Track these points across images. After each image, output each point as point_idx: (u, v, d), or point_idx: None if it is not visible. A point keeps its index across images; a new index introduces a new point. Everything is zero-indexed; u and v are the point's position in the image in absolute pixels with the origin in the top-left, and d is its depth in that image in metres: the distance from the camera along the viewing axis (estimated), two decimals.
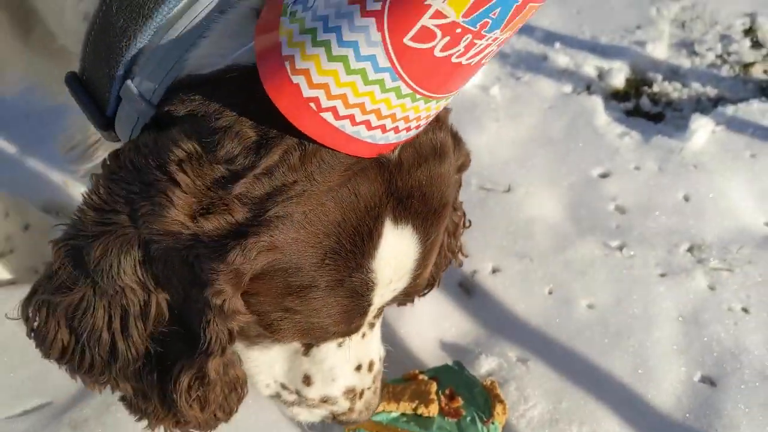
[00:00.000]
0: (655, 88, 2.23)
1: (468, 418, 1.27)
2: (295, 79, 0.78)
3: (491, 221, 1.75)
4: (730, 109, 2.11)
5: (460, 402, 1.29)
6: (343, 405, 1.13)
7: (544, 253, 1.70)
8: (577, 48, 2.31)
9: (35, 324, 0.98)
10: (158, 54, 0.92)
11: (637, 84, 2.24)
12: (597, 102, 2.12)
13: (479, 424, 1.26)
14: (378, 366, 1.15)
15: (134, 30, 0.93)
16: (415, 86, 0.79)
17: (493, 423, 1.28)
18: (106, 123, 1.01)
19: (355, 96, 0.78)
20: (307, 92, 0.78)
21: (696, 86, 2.24)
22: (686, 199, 1.85)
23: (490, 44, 0.77)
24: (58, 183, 1.75)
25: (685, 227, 1.78)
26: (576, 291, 1.62)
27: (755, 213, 1.83)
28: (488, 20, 0.73)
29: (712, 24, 2.49)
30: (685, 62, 2.33)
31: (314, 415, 1.15)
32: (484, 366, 1.47)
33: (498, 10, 0.72)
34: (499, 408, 1.31)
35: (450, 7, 0.71)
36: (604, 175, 1.90)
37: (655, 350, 1.52)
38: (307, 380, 1.10)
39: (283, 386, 1.12)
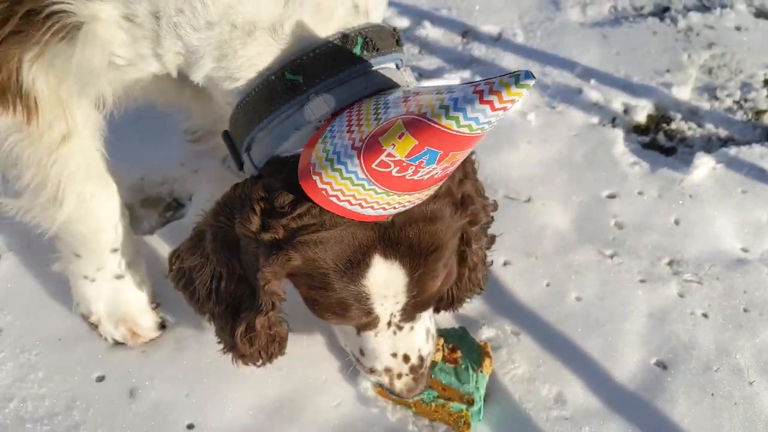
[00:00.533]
0: (673, 126, 2.60)
1: (463, 366, 1.72)
2: (314, 177, 1.27)
3: (510, 224, 2.17)
4: (733, 150, 2.47)
5: (459, 354, 1.73)
6: (384, 379, 1.60)
7: (548, 254, 2.12)
8: (609, 85, 2.70)
9: (174, 268, 1.58)
10: (265, 141, 1.42)
11: (658, 121, 2.61)
12: (618, 134, 2.51)
13: (471, 371, 1.71)
14: (415, 361, 1.58)
15: (252, 129, 1.43)
16: (385, 189, 1.25)
17: (481, 372, 1.72)
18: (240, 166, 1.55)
19: (348, 190, 1.26)
20: (320, 185, 1.27)
21: (709, 126, 2.60)
22: (677, 222, 2.24)
23: (432, 170, 1.21)
24: (177, 162, 2.27)
25: (671, 245, 2.17)
26: (569, 287, 2.04)
27: (734, 240, 2.20)
28: (422, 160, 1.17)
29: (736, 72, 2.82)
30: (704, 105, 2.68)
31: (371, 379, 1.67)
32: (485, 334, 1.91)
33: (426, 156, 1.17)
34: (487, 361, 1.75)
35: (396, 153, 1.17)
36: (611, 196, 2.30)
37: (623, 338, 1.93)
38: (360, 351, 1.60)
39: (353, 354, 1.63)
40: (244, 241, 1.43)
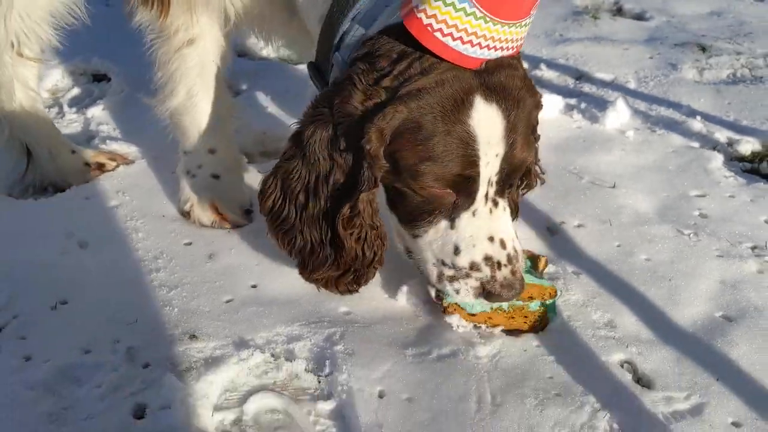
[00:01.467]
0: None
1: (530, 265, 1.78)
2: (419, 14, 1.44)
3: (588, 201, 2.24)
4: None
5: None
6: (486, 271, 1.58)
7: (624, 224, 2.14)
8: (716, 123, 2.75)
9: (261, 197, 1.64)
10: (351, 33, 1.60)
11: (762, 156, 2.61)
12: (718, 157, 2.53)
13: (532, 273, 1.77)
14: (511, 248, 1.59)
15: (340, 22, 1.62)
16: (487, 14, 1.41)
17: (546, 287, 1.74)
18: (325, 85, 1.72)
19: (451, 19, 1.42)
20: (426, 20, 1.43)
21: None
22: (767, 221, 2.19)
23: None
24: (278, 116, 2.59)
25: (756, 235, 2.11)
26: (640, 249, 2.04)
27: None
28: None
29: None
30: None
31: (469, 289, 1.61)
32: (547, 269, 1.94)
33: None
34: (542, 261, 1.83)
35: None
36: (699, 196, 2.31)
37: (689, 292, 1.89)
38: (456, 250, 1.59)
39: (443, 262, 1.61)
40: (345, 123, 1.50)
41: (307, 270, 1.66)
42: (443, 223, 1.60)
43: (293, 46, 2.33)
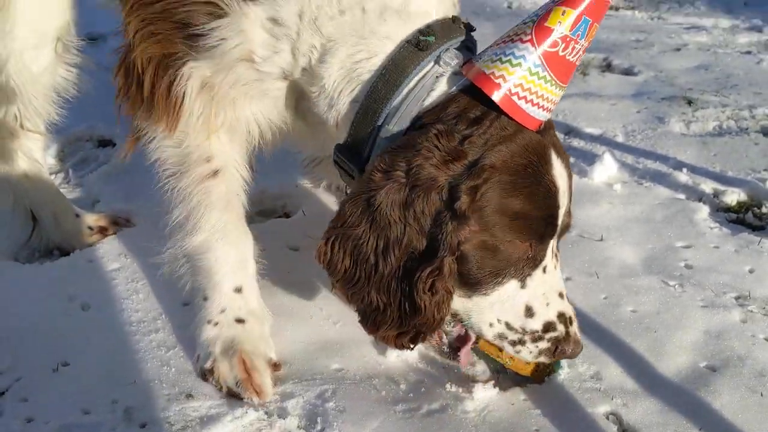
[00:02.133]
0: (764, 210, 2.64)
1: None
2: (497, 80, 1.51)
3: (577, 252, 2.30)
4: None
5: None
6: (561, 329, 1.60)
7: (611, 276, 2.20)
8: (702, 174, 2.82)
9: (327, 258, 1.59)
10: (410, 100, 1.59)
11: (748, 206, 2.67)
12: (704, 208, 2.59)
13: None
14: (569, 306, 1.64)
15: (388, 99, 1.59)
16: (552, 77, 1.52)
17: None
18: (362, 167, 1.65)
19: (526, 83, 1.51)
20: (504, 85, 1.51)
21: None
22: (751, 271, 2.24)
23: (580, 48, 1.52)
24: (293, 182, 2.66)
25: (740, 285, 2.17)
26: (627, 301, 2.09)
27: None
28: (579, 32, 1.50)
29: None
30: None
31: (536, 350, 1.60)
32: None
33: (581, 28, 1.49)
34: None
35: (563, 29, 1.49)
36: (685, 247, 2.36)
37: (674, 342, 1.93)
38: (528, 311, 1.59)
39: (508, 325, 1.60)
40: (425, 186, 1.49)
41: (369, 325, 1.63)
42: (512, 284, 1.59)
43: (304, 146, 2.25)
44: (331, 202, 2.54)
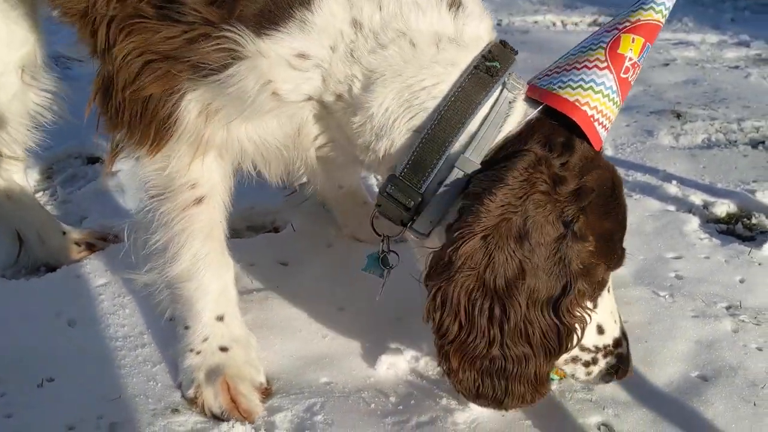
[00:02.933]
0: (754, 221, 2.64)
1: None
2: (583, 107, 1.53)
3: None
4: None
5: None
6: (624, 345, 1.66)
7: None
8: (691, 186, 2.83)
9: (437, 316, 1.48)
10: (482, 133, 1.53)
11: (738, 217, 2.67)
12: (693, 219, 2.59)
13: None
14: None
15: (464, 123, 1.52)
16: (619, 97, 1.57)
17: None
18: (417, 205, 1.57)
19: (606, 109, 1.54)
20: (589, 112, 1.53)
21: None
22: (741, 281, 2.24)
23: (638, 70, 1.57)
24: (282, 197, 2.64)
25: (731, 295, 2.16)
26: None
27: None
28: (643, 57, 1.55)
29: None
30: None
31: (605, 367, 1.65)
32: None
33: (646, 51, 1.55)
34: None
35: (633, 55, 1.54)
36: (676, 258, 2.36)
37: (665, 353, 1.92)
38: (600, 329, 1.64)
39: (582, 347, 1.61)
40: (532, 219, 1.45)
41: (510, 392, 1.53)
42: (589, 305, 1.59)
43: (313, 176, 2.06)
44: (320, 218, 2.53)
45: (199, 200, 1.73)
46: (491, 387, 1.52)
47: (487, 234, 1.44)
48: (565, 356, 1.60)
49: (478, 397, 1.55)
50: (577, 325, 1.52)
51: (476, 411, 1.71)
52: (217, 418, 1.69)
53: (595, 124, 1.54)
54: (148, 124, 1.63)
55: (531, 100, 1.58)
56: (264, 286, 2.18)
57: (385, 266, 1.76)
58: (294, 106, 1.63)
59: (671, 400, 1.77)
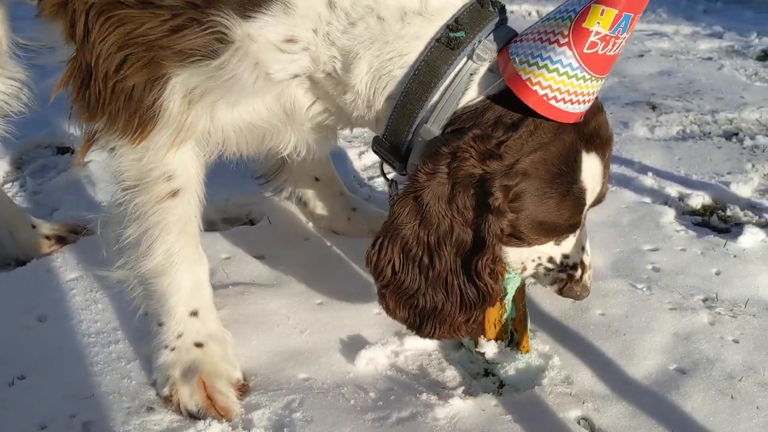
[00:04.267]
0: (729, 213, 2.66)
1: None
2: (533, 87, 1.51)
3: None
4: None
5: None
6: (581, 274, 1.76)
7: None
8: (667, 178, 2.84)
9: (374, 259, 1.61)
10: (446, 101, 1.59)
11: (713, 209, 2.69)
12: (669, 211, 2.60)
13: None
14: (588, 257, 1.79)
15: (427, 96, 1.59)
16: (591, 73, 1.52)
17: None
18: (401, 159, 1.69)
19: (564, 86, 1.51)
20: (541, 92, 1.52)
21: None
22: (717, 273, 2.25)
23: (621, 41, 1.51)
24: (258, 189, 2.60)
25: (707, 288, 2.17)
26: (595, 305, 2.08)
27: None
28: (620, 29, 1.48)
29: None
30: (766, 202, 2.74)
31: (556, 276, 1.76)
32: None
33: (622, 24, 1.47)
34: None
35: (602, 29, 1.47)
36: (652, 250, 2.37)
37: (643, 345, 1.93)
38: (564, 256, 1.75)
39: (550, 259, 1.74)
40: (460, 184, 1.55)
41: (427, 328, 1.65)
42: (549, 246, 1.74)
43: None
44: (296, 211, 2.50)
45: (174, 193, 1.71)
46: (418, 323, 1.66)
47: (418, 195, 1.57)
48: (529, 263, 1.75)
49: (411, 329, 1.69)
50: (490, 285, 1.61)
51: (456, 406, 1.71)
52: (193, 417, 1.66)
53: (552, 102, 1.52)
54: (133, 113, 1.60)
55: (496, 74, 1.59)
56: (240, 280, 2.14)
57: None
58: (281, 85, 1.63)
59: (650, 393, 1.78)
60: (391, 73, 1.61)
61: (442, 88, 1.59)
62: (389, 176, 1.92)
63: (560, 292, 1.78)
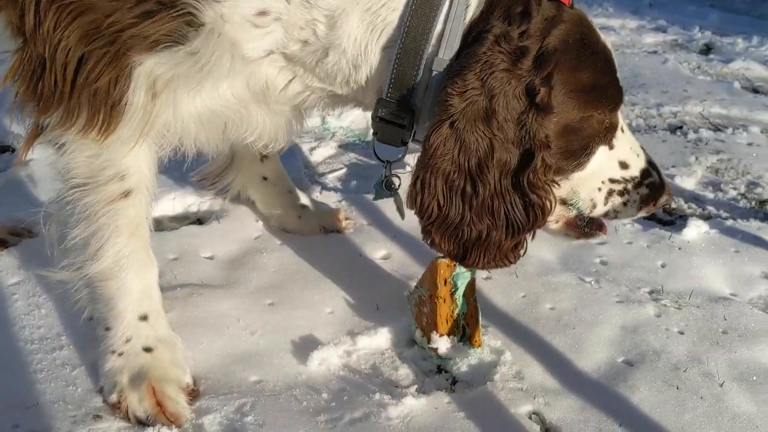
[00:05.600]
0: (673, 205, 2.72)
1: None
2: None
3: None
4: (729, 222, 2.56)
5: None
6: (655, 174, 1.74)
7: (529, 274, 2.21)
8: None
9: (419, 199, 1.58)
10: (449, 30, 1.55)
11: None
12: None
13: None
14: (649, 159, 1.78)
15: (431, 28, 1.54)
16: None
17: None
18: (413, 113, 1.61)
19: None
20: None
21: (711, 209, 2.71)
22: (663, 266, 2.30)
23: None
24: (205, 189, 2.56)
25: (653, 280, 2.22)
26: (545, 299, 2.11)
27: (722, 284, 2.23)
28: None
29: (744, 173, 2.97)
30: (709, 194, 2.82)
31: (638, 199, 1.74)
32: None
33: None
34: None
35: None
36: (600, 243, 2.40)
37: (592, 339, 1.96)
38: (623, 165, 1.72)
39: (612, 180, 1.72)
40: (502, 91, 1.50)
41: (475, 258, 1.64)
42: (603, 149, 1.68)
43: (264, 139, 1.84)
44: (246, 209, 2.47)
45: (126, 193, 1.65)
46: (462, 254, 1.64)
47: (454, 120, 1.51)
48: (603, 191, 1.72)
49: (455, 260, 1.69)
50: (543, 198, 1.58)
51: (409, 405, 1.71)
52: (142, 423, 1.62)
53: None
54: (97, 109, 1.53)
55: None
56: (189, 281, 2.10)
57: (390, 190, 1.82)
58: (254, 65, 1.58)
59: (599, 386, 1.80)
60: (385, 20, 1.55)
61: (444, 14, 1.55)
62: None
63: (654, 205, 1.77)
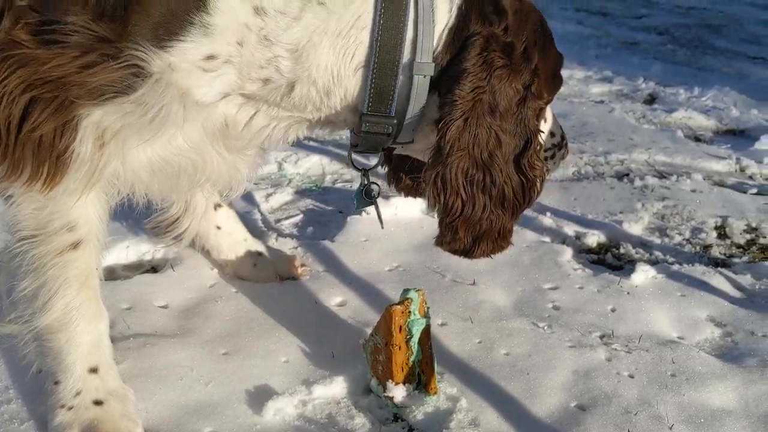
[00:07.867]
0: (622, 250, 2.80)
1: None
2: None
3: (451, 298, 2.33)
4: (675, 267, 2.64)
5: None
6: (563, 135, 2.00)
7: (484, 319, 2.24)
8: (564, 218, 2.96)
9: (442, 197, 1.66)
10: (421, 32, 1.58)
11: (608, 247, 2.82)
12: (567, 250, 2.71)
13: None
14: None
15: (402, 37, 1.57)
16: None
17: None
18: (396, 119, 1.65)
19: None
20: None
21: (658, 254, 2.79)
22: (613, 310, 2.35)
23: None
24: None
25: (604, 324, 2.26)
26: (499, 344, 2.13)
27: (669, 328, 2.29)
28: None
29: (688, 219, 3.07)
30: (656, 240, 2.90)
31: (558, 157, 2.01)
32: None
33: None
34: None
35: None
36: (552, 288, 2.45)
37: (545, 384, 1.98)
38: (552, 134, 1.96)
39: (545, 150, 1.91)
40: (502, 87, 1.62)
41: (478, 250, 1.78)
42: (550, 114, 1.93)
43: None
44: (201, 257, 2.45)
45: (75, 245, 1.63)
46: (470, 248, 1.78)
47: (466, 117, 1.61)
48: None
49: (460, 255, 1.81)
50: (538, 176, 1.73)
51: None
52: None
53: None
54: (42, 161, 1.50)
55: None
56: (142, 331, 2.08)
57: (370, 197, 1.89)
58: (209, 109, 1.58)
59: (553, 431, 1.82)
60: (357, 41, 1.57)
61: (412, 20, 1.58)
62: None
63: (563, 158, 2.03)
